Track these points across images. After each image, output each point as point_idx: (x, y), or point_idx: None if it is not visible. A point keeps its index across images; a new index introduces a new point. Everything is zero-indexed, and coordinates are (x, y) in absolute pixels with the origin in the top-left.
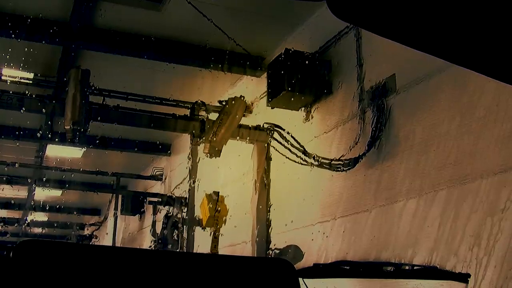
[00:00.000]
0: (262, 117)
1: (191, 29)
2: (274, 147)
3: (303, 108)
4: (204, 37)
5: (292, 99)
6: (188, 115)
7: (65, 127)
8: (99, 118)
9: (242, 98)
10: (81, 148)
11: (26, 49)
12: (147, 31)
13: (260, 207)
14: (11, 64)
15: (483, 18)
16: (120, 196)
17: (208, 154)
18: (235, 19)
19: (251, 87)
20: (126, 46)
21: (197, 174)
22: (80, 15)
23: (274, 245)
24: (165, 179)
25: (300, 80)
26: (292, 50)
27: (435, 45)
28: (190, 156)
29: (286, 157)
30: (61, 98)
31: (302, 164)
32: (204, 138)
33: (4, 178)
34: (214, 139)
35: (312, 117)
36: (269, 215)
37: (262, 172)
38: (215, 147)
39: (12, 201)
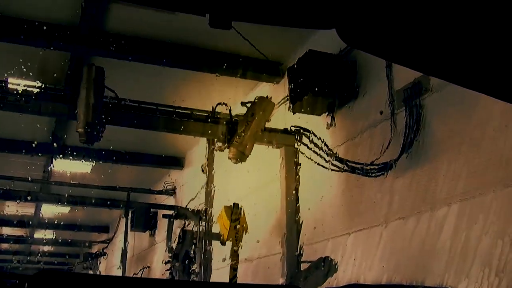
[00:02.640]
0: (282, 125)
1: (207, 33)
2: (302, 152)
3: (326, 113)
4: (219, 42)
5: (315, 103)
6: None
7: (78, 129)
8: (114, 121)
9: (268, 98)
10: (90, 163)
11: (33, 55)
12: (161, 35)
13: (289, 216)
14: (18, 72)
15: (490, 43)
16: (130, 212)
17: (234, 159)
18: (252, 23)
19: (269, 94)
20: (138, 51)
21: (214, 185)
22: (89, 18)
23: (306, 256)
24: (177, 193)
25: (324, 83)
26: (315, 51)
27: (447, 70)
28: (205, 167)
29: (315, 162)
30: (73, 98)
31: (332, 169)
32: (228, 142)
33: (11, 194)
34: (240, 143)
35: (336, 122)
36: (300, 225)
37: (291, 179)
38: (241, 151)
39: (19, 218)
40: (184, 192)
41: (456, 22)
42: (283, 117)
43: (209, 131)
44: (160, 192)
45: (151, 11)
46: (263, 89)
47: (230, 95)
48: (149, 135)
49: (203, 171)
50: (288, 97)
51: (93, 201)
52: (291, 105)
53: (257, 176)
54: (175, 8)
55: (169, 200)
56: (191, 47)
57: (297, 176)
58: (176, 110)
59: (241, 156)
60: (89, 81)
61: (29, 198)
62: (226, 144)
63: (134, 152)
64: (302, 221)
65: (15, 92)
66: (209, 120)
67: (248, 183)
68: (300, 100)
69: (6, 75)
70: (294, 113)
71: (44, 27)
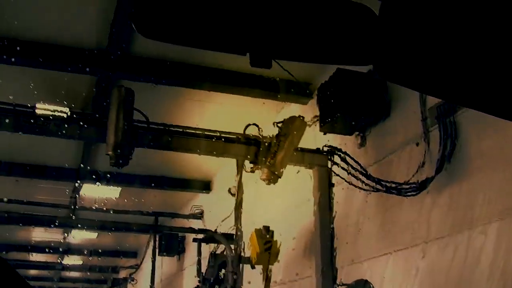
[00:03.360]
0: (310, 145)
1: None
2: (335, 172)
3: (356, 133)
4: (246, 63)
5: (346, 123)
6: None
7: (107, 152)
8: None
9: (301, 118)
10: (117, 188)
11: (60, 80)
12: (188, 58)
13: (324, 238)
14: (46, 97)
15: None
16: (158, 237)
17: (266, 180)
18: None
19: (297, 114)
20: (165, 74)
21: (243, 207)
22: (117, 42)
23: (341, 280)
24: (204, 217)
25: (354, 102)
26: (345, 70)
27: (487, 103)
28: (234, 190)
29: (349, 183)
30: (101, 122)
31: (366, 189)
32: (259, 163)
33: (39, 220)
34: (273, 163)
35: (367, 142)
36: (334, 247)
37: (324, 200)
38: (274, 172)
39: (47, 245)
40: (212, 215)
41: (498, 58)
42: (312, 138)
43: (240, 153)
44: (188, 216)
45: None
46: (291, 110)
47: (258, 117)
48: (176, 159)
49: (231, 194)
50: (317, 117)
51: (121, 226)
52: (321, 125)
53: (287, 198)
54: (216, 48)
55: (197, 224)
56: (217, 70)
57: (331, 197)
58: (205, 133)
59: (273, 177)
60: (119, 103)
61: (57, 224)
62: (258, 165)
63: (161, 176)
64: (336, 243)
65: (43, 116)
66: (239, 141)
67: (278, 205)
68: (330, 120)
69: (33, 100)
70: (324, 133)
71: (71, 52)
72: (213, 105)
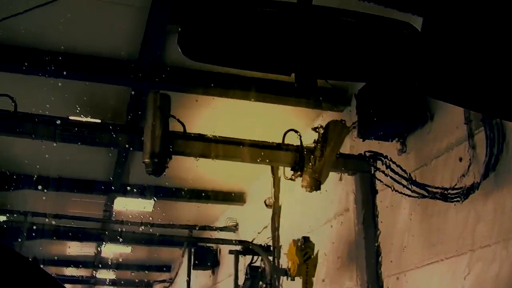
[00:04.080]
0: (349, 152)
1: None
2: (378, 179)
3: (396, 139)
4: None
5: (385, 129)
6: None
7: (144, 160)
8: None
9: (343, 122)
10: (151, 201)
11: (93, 92)
12: (218, 67)
13: (368, 247)
14: (78, 109)
15: None
16: (192, 250)
17: (308, 188)
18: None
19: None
20: (199, 84)
21: (280, 218)
22: (149, 52)
23: None
24: (239, 229)
25: (394, 107)
26: None
27: None
28: (269, 201)
29: (393, 189)
30: (136, 130)
31: (411, 196)
32: (300, 170)
33: (72, 234)
34: (315, 169)
35: (408, 147)
36: (379, 256)
37: (368, 207)
38: (316, 179)
39: (80, 259)
40: (247, 228)
41: None
42: (348, 145)
43: (280, 159)
44: (222, 229)
45: None
46: (327, 117)
47: (292, 126)
48: (209, 171)
49: (266, 205)
50: (355, 124)
51: (155, 239)
52: (360, 132)
53: (324, 208)
54: (262, 69)
55: (231, 237)
56: (250, 78)
57: (375, 204)
58: (242, 140)
59: (315, 184)
60: (155, 109)
61: (90, 237)
62: (299, 173)
63: (194, 189)
64: (381, 252)
65: (77, 124)
66: (279, 148)
67: (315, 215)
68: (369, 126)
69: (67, 112)
70: (363, 140)
71: (103, 63)
72: (247, 114)
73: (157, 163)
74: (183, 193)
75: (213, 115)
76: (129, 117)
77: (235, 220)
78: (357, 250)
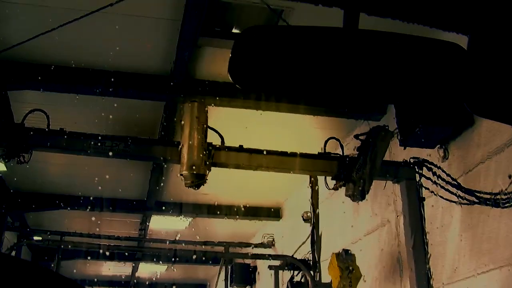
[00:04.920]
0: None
1: None
2: (424, 185)
3: (438, 145)
4: None
5: (427, 135)
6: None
7: (182, 172)
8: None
9: (386, 127)
10: (186, 218)
11: (125, 107)
12: None
13: (417, 257)
14: (112, 124)
15: None
16: (229, 267)
17: (353, 197)
18: None
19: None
20: (231, 96)
21: (320, 232)
22: (181, 66)
23: None
24: (276, 245)
25: (436, 111)
26: None
27: None
28: (307, 214)
29: (440, 196)
30: (174, 141)
31: (459, 203)
32: (343, 179)
33: (107, 254)
34: (359, 178)
35: (451, 153)
36: (429, 266)
37: (415, 215)
38: (360, 187)
39: (116, 279)
40: (284, 243)
41: None
42: (388, 153)
43: (322, 168)
44: (259, 245)
45: None
46: (364, 127)
47: (329, 136)
48: (244, 187)
49: (304, 219)
50: (395, 132)
51: (190, 257)
52: (400, 139)
53: (365, 220)
54: (313, 95)
55: (268, 253)
56: None
57: (422, 211)
58: (281, 151)
59: (360, 193)
60: (192, 119)
61: (126, 256)
62: (342, 182)
63: (230, 205)
64: (430, 262)
65: (111, 138)
66: (321, 157)
67: (356, 228)
68: (411, 133)
69: (100, 128)
70: (404, 147)
71: (136, 78)
72: (283, 126)
73: (196, 175)
74: (218, 209)
75: (247, 127)
76: (162, 133)
77: (271, 235)
78: (407, 258)
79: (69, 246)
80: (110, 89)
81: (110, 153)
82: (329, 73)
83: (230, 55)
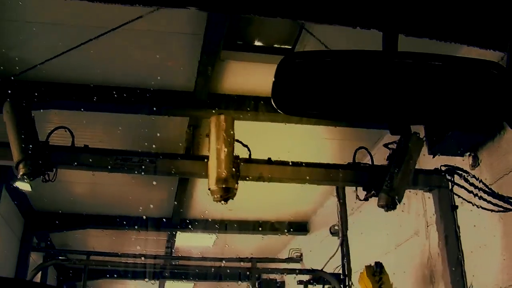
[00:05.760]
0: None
1: None
2: (456, 194)
3: (468, 153)
4: None
5: (456, 143)
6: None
7: (210, 187)
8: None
9: (417, 135)
10: (212, 235)
11: (150, 124)
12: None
13: (453, 268)
14: (137, 142)
15: None
16: (256, 284)
17: (385, 207)
18: None
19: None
20: (255, 110)
21: (349, 245)
22: (205, 81)
23: None
24: (303, 260)
25: (465, 120)
26: None
27: None
28: (335, 228)
29: (474, 204)
30: (200, 155)
31: (493, 210)
32: (374, 189)
33: (134, 273)
34: (391, 187)
35: (481, 161)
36: (465, 277)
37: (449, 225)
38: (392, 197)
39: None
40: (312, 257)
41: None
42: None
43: (351, 179)
44: (287, 260)
45: (268, 68)
46: (390, 136)
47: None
48: (270, 201)
49: (332, 233)
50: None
51: (217, 274)
52: (429, 147)
53: (396, 231)
54: (354, 119)
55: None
56: None
57: (456, 220)
58: (309, 162)
59: (392, 203)
60: (218, 132)
61: (152, 274)
62: (373, 192)
63: (256, 221)
64: (465, 272)
65: (137, 154)
66: (350, 167)
67: (386, 239)
68: (440, 141)
69: (125, 145)
70: (433, 156)
71: (159, 95)
72: (309, 138)
73: (225, 189)
74: (244, 225)
75: (271, 140)
76: (187, 149)
77: (299, 250)
78: (442, 270)
79: (95, 266)
80: (133, 106)
81: (136, 169)
82: (370, 96)
83: (273, 81)
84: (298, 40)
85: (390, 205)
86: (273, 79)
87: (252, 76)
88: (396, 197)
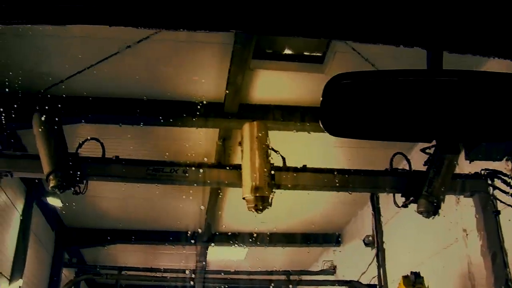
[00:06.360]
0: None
1: None
2: (498, 198)
3: (505, 158)
4: None
5: (494, 148)
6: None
7: (245, 196)
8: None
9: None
10: (244, 248)
11: (181, 136)
12: (309, 99)
13: (497, 275)
14: (169, 153)
15: None
16: None
17: (425, 213)
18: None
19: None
20: (289, 119)
21: (385, 255)
22: (235, 91)
23: None
24: (337, 271)
25: (503, 124)
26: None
27: None
28: (369, 238)
29: None
30: (233, 164)
31: None
32: (414, 195)
33: (166, 287)
34: (431, 193)
35: None
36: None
37: (490, 230)
38: (433, 202)
39: None
40: (346, 268)
41: None
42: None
43: (389, 186)
44: (320, 272)
45: (298, 76)
46: (425, 144)
47: (387, 154)
48: (302, 213)
49: (365, 244)
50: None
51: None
52: (466, 153)
53: (433, 239)
54: (402, 139)
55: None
56: None
57: (498, 225)
58: (345, 169)
59: (433, 208)
60: (252, 139)
61: None
62: (411, 198)
63: (288, 233)
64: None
65: (169, 165)
66: (388, 173)
67: (422, 249)
68: (477, 146)
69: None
70: (470, 161)
71: (190, 107)
72: (341, 145)
73: (260, 198)
74: (276, 237)
75: (300, 148)
76: (220, 158)
77: (331, 262)
78: (486, 277)
79: (127, 280)
80: (161, 119)
81: (168, 180)
82: (418, 115)
83: (321, 103)
84: (328, 47)
85: (430, 211)
86: (321, 100)
87: (281, 85)
88: (437, 203)
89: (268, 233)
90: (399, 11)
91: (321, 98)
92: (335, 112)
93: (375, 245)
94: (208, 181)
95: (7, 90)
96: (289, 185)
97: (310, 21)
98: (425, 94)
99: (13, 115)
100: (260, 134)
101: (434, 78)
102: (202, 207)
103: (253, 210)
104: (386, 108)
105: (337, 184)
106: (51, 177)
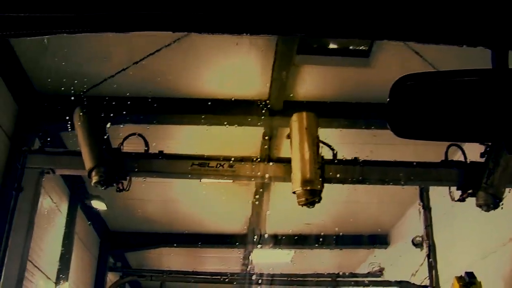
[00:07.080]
0: None
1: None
2: None
3: None
4: None
5: None
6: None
7: (294, 190)
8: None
9: None
10: (290, 251)
11: (226, 133)
12: (355, 95)
13: None
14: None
15: None
16: None
17: (485, 206)
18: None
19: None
20: (334, 116)
21: (436, 255)
22: (279, 89)
23: None
24: (384, 274)
25: None
26: None
27: None
28: (419, 239)
29: None
30: (281, 158)
31: None
32: (471, 188)
33: None
34: (490, 184)
35: None
36: None
37: None
38: (493, 194)
39: None
40: (394, 270)
41: None
42: None
43: (444, 178)
44: (367, 275)
45: (343, 71)
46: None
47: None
48: (348, 214)
49: (414, 244)
50: None
51: None
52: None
53: (487, 237)
54: (469, 140)
55: (377, 282)
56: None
57: None
58: (398, 161)
59: (493, 201)
60: (301, 131)
61: None
62: (469, 191)
63: (334, 235)
64: None
65: (215, 159)
66: (443, 165)
67: (476, 247)
68: None
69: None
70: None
71: (235, 105)
72: (388, 139)
73: (311, 191)
74: (322, 240)
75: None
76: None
77: (378, 264)
78: None
79: (171, 281)
80: (204, 117)
81: (214, 175)
82: (484, 115)
83: (387, 105)
84: (374, 41)
85: (490, 204)
86: (387, 102)
87: (327, 80)
88: (498, 195)
89: (313, 235)
90: (462, 10)
91: (387, 99)
92: (401, 114)
93: (425, 245)
94: (256, 176)
95: (49, 92)
96: (340, 179)
97: (371, 22)
98: (491, 93)
99: (55, 116)
100: (309, 125)
101: (500, 77)
102: (247, 210)
103: (303, 204)
104: (452, 109)
105: (390, 177)
106: (93, 172)
